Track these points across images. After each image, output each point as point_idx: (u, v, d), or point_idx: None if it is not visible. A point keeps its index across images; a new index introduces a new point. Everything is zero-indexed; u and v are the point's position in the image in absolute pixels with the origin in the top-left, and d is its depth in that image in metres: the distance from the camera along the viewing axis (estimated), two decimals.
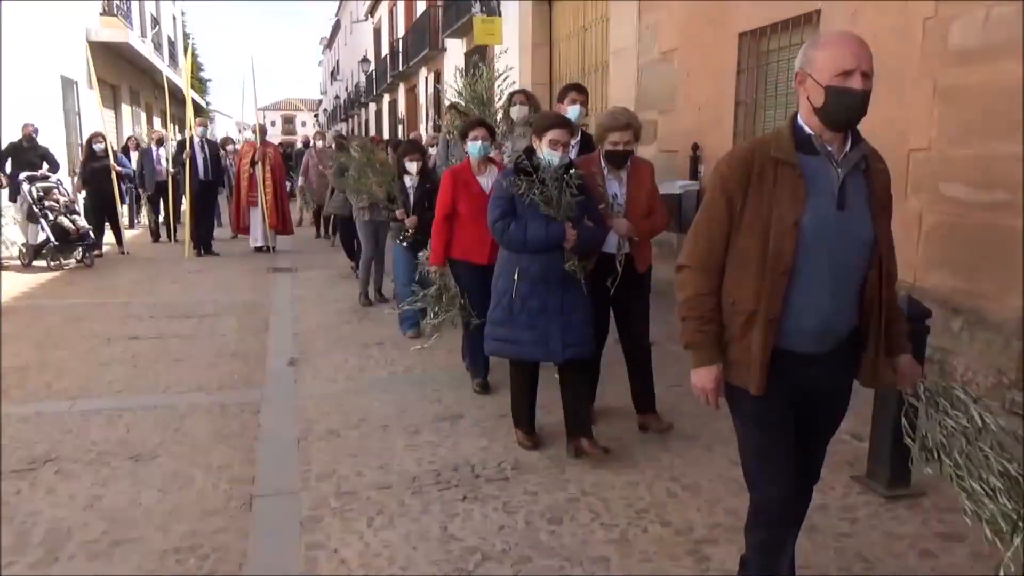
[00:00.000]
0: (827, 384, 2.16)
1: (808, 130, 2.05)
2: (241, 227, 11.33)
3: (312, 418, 4.36)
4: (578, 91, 4.93)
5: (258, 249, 11.06)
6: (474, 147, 4.51)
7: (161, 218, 12.28)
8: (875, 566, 2.78)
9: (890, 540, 2.96)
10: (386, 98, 29.46)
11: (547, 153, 3.58)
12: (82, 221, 9.58)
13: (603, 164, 3.87)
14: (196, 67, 37.80)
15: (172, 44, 27.12)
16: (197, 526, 3.12)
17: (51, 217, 9.23)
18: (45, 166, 9.91)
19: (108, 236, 10.95)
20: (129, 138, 14.83)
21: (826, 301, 2.03)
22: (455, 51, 17.30)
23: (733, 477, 3.51)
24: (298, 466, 3.71)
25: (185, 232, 10.77)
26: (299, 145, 20.12)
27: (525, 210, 3.56)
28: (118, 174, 10.92)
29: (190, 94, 12.67)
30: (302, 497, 3.38)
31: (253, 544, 3.00)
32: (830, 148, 2.03)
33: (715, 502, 3.27)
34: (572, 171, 3.56)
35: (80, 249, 9.49)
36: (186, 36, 31.68)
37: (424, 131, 18.70)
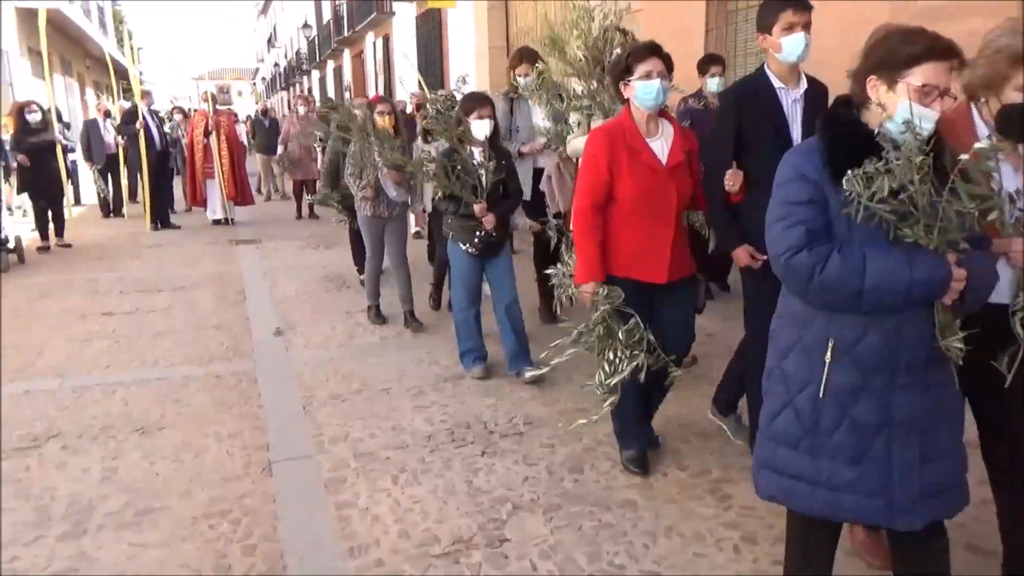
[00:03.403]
0: None
1: None
2: (197, 199, 11.02)
3: (311, 385, 4.35)
4: (716, 62, 4.63)
5: (216, 222, 10.79)
6: (648, 90, 2.82)
7: (112, 192, 11.81)
8: None
9: None
10: (330, 64, 28.76)
11: (907, 112, 1.69)
12: None
13: (987, 132, 2.06)
14: (127, 35, 36.18)
15: (102, 11, 25.84)
16: (221, 492, 3.13)
17: None
18: None
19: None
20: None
21: None
22: (405, 14, 16.98)
23: None
24: (309, 431, 3.72)
25: (145, 205, 10.37)
26: (252, 114, 19.22)
27: (853, 228, 1.75)
28: (64, 149, 9.47)
29: (136, 65, 12.28)
30: (320, 460, 3.40)
31: (282, 506, 3.02)
32: None
33: (725, 444, 3.41)
34: (992, 143, 1.73)
35: None
36: (114, 3, 30.19)
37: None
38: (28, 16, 15.06)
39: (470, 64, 12.80)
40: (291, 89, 39.91)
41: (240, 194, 10.84)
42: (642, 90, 2.85)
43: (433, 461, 3.35)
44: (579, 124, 4.13)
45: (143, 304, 6.26)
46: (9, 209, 8.13)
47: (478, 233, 4.19)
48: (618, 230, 2.96)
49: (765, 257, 2.84)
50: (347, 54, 25.07)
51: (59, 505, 3.02)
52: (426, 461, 3.35)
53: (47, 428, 3.77)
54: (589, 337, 2.87)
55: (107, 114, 11.86)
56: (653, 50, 2.90)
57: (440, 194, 4.24)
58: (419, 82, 10.24)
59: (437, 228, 5.49)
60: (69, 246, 8.92)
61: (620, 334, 2.82)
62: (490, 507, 2.96)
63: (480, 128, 4.11)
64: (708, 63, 5.22)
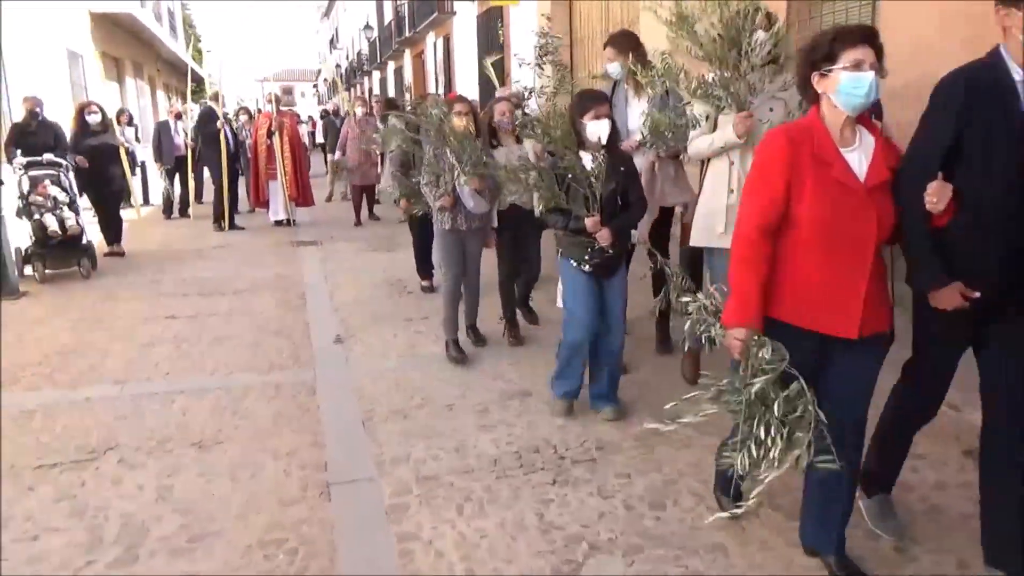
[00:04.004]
0: None
1: None
2: (260, 200, 11.07)
3: (372, 398, 4.18)
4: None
5: (278, 223, 10.81)
6: (857, 84, 2.16)
7: (178, 193, 11.97)
8: None
9: None
10: (391, 65, 28.93)
11: None
12: (73, 220, 7.35)
13: None
14: (196, 38, 37.20)
15: (171, 15, 26.55)
16: (278, 517, 2.96)
17: (36, 215, 7.22)
18: (47, 156, 7.60)
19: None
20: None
21: None
22: (466, 14, 16.86)
23: None
24: (369, 450, 3.54)
25: (225, 206, 10.48)
26: (320, 114, 19.28)
27: None
28: (127, 152, 9.41)
29: (205, 67, 12.41)
30: (381, 484, 3.21)
31: (341, 536, 2.83)
32: None
33: None
34: None
35: (77, 256, 7.43)
36: (184, 6, 31.08)
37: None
38: (101, 20, 15.49)
39: (532, 60, 12.58)
40: (352, 90, 40.44)
41: (301, 195, 10.83)
42: (850, 84, 2.16)
43: (500, 489, 3.12)
44: (707, 118, 3.57)
45: (205, 308, 6.22)
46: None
47: (590, 250, 3.61)
48: (794, 264, 2.26)
49: (978, 294, 2.29)
50: (408, 55, 25.17)
51: (112, 526, 2.90)
52: (493, 489, 3.12)
53: (105, 439, 3.68)
54: (734, 397, 2.19)
55: (178, 116, 12.02)
56: (868, 35, 2.20)
57: (543, 206, 3.70)
58: (488, 69, 9.91)
59: (504, 245, 5.06)
60: (122, 254, 8.52)
61: (777, 405, 2.10)
62: (564, 546, 2.71)
63: (597, 129, 3.52)
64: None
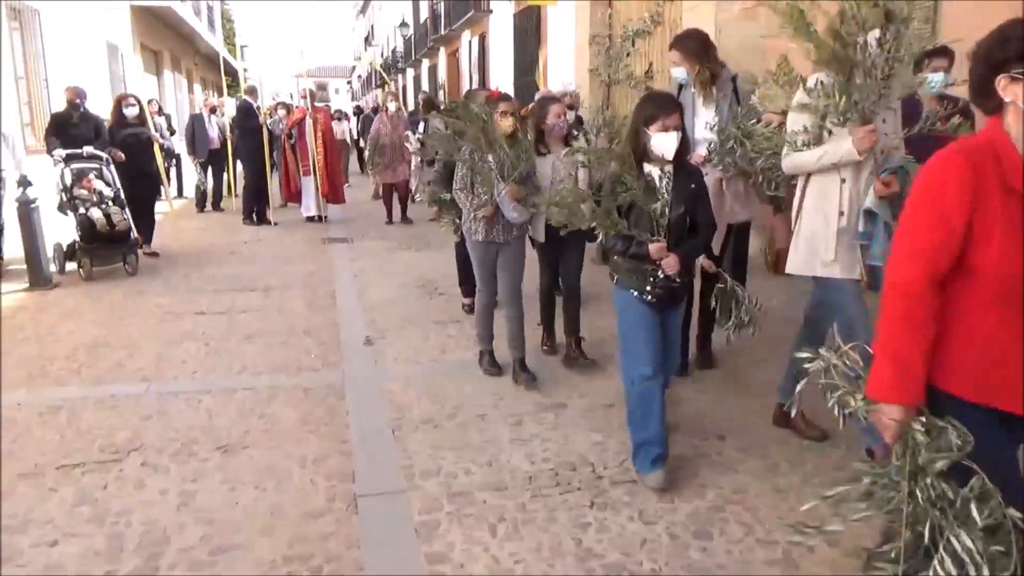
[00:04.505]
0: None
1: None
2: (292, 193, 11.05)
3: (402, 404, 4.04)
4: (940, 54, 3.88)
5: (310, 219, 10.77)
6: None
7: (211, 186, 11.98)
8: None
9: None
10: (425, 63, 28.91)
11: None
12: (120, 215, 7.17)
13: None
14: (232, 33, 37.56)
15: (211, 10, 26.80)
16: (303, 530, 2.83)
17: (81, 209, 7.02)
18: (87, 149, 7.36)
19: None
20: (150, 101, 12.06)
21: None
22: (502, 12, 16.72)
23: None
24: (399, 460, 3.40)
25: (268, 200, 10.59)
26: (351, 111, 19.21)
27: None
28: (161, 148, 9.25)
29: (241, 62, 12.45)
30: (410, 498, 3.07)
31: (368, 554, 2.69)
32: None
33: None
34: None
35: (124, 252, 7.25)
36: (223, 1, 31.40)
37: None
38: (142, 13, 15.62)
39: (568, 60, 12.41)
40: (385, 87, 40.51)
41: (333, 192, 10.78)
42: None
43: (535, 510, 2.96)
44: (823, 135, 3.02)
45: (235, 304, 6.15)
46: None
47: (652, 279, 3.16)
48: (969, 322, 1.73)
49: None
50: (442, 52, 25.10)
51: (133, 534, 2.79)
52: (527, 509, 2.97)
53: (129, 440, 3.59)
54: (891, 494, 1.68)
55: (213, 110, 12.05)
56: None
57: (602, 234, 3.25)
58: (538, 73, 9.82)
59: (543, 258, 4.76)
60: (156, 255, 8.14)
61: (972, 506, 1.57)
62: None
63: (664, 143, 3.06)
64: (928, 54, 3.89)
